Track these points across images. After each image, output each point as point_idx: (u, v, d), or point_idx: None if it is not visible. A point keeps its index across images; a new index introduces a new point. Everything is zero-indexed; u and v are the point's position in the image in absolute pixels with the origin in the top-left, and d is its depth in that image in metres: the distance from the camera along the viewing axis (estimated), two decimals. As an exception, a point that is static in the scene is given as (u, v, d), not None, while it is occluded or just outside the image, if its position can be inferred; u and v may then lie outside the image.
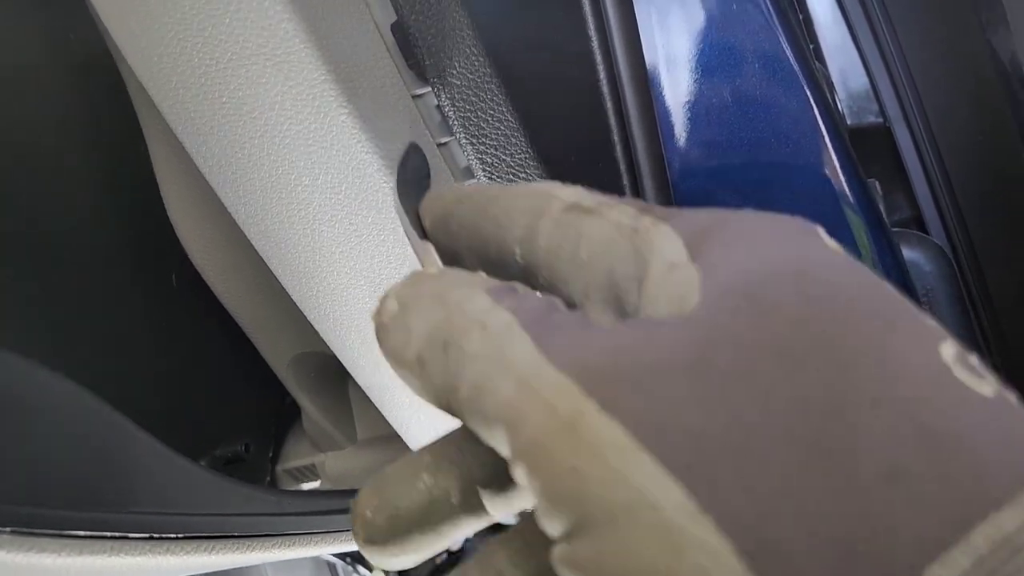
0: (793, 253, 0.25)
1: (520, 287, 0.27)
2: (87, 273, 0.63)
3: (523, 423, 0.23)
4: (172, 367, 0.69)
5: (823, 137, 0.57)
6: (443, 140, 0.54)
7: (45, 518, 0.36)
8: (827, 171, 0.57)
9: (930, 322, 0.23)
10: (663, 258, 0.26)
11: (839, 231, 0.57)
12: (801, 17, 0.69)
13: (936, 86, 0.68)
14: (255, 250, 0.58)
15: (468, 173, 0.55)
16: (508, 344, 0.25)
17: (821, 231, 0.26)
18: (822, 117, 0.57)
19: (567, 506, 0.22)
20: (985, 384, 0.22)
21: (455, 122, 0.52)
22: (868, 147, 0.69)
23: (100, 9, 0.52)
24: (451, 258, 0.33)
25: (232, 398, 0.78)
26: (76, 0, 0.57)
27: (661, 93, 0.60)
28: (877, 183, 0.69)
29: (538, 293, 0.28)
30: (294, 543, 0.52)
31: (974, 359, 0.23)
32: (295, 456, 0.85)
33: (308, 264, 0.57)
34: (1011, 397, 0.23)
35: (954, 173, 0.67)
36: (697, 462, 0.21)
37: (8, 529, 0.34)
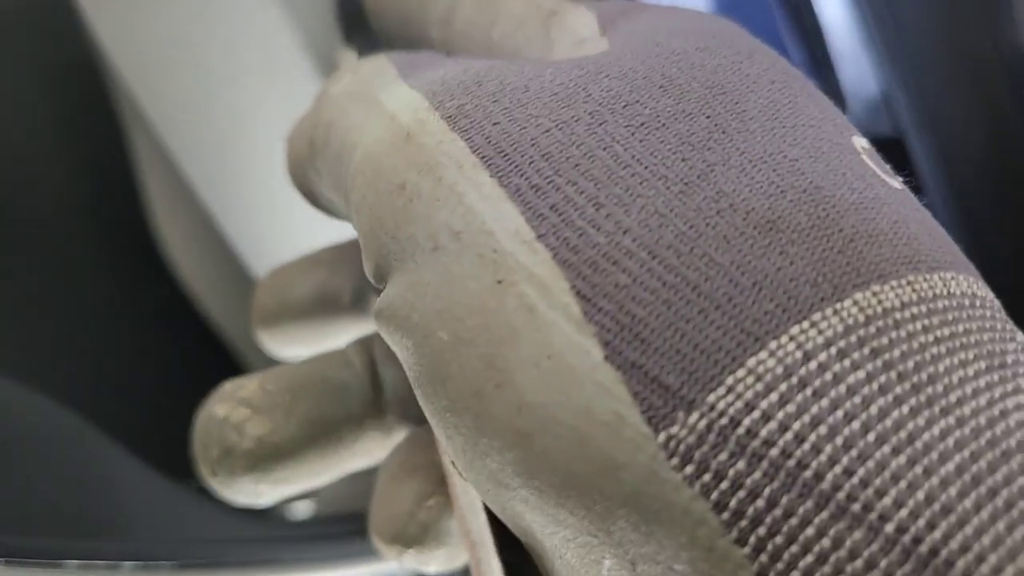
0: (706, 25, 0.23)
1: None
2: (65, 285, 0.61)
3: (368, 137, 0.21)
4: (151, 387, 0.66)
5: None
6: None
7: (38, 547, 0.34)
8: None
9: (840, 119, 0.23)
10: (573, 35, 0.25)
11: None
12: (811, 24, 0.67)
13: (951, 96, 0.66)
14: (241, 260, 0.56)
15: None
16: (373, 78, 0.23)
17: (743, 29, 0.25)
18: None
19: (387, 231, 0.20)
20: (891, 179, 0.21)
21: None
22: (882, 159, 0.67)
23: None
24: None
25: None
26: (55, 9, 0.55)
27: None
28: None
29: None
30: (293, 569, 0.50)
31: (878, 156, 0.22)
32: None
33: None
34: (910, 195, 0.22)
35: (970, 186, 0.66)
36: (544, 188, 0.18)
37: (1, 560, 0.31)
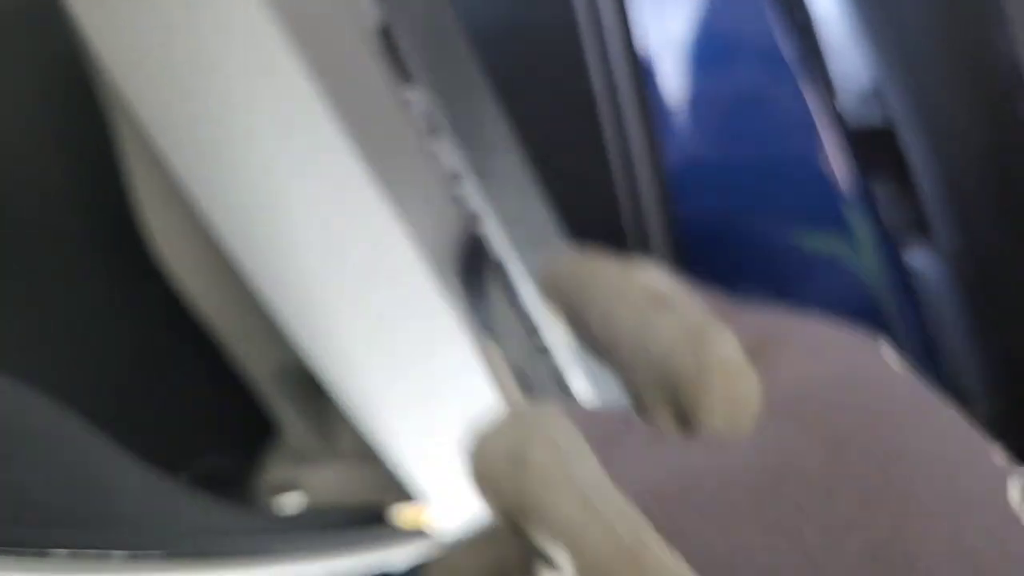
0: (858, 368, 0.25)
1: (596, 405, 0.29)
2: (49, 277, 0.61)
3: (585, 545, 0.23)
4: (137, 377, 0.66)
5: (826, 140, 0.55)
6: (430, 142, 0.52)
7: (25, 536, 0.34)
8: (830, 175, 0.55)
9: (997, 458, 0.23)
10: (722, 364, 0.26)
11: (842, 236, 0.55)
12: (802, 17, 0.67)
13: (942, 87, 0.66)
14: (232, 257, 0.56)
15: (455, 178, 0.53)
16: (575, 461, 0.24)
17: (884, 344, 0.26)
18: (825, 119, 0.56)
19: None
20: None
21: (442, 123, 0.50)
22: (871, 150, 0.67)
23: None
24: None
25: (209, 409, 0.75)
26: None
27: (657, 91, 0.58)
28: (882, 186, 0.68)
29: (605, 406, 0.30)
30: (283, 560, 0.50)
31: None
32: (277, 469, 0.83)
33: (290, 277, 0.56)
34: None
35: (961, 176, 0.66)
36: None
37: (-11, 549, 0.32)
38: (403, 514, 0.72)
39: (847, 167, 0.56)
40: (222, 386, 0.74)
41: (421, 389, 0.59)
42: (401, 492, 0.74)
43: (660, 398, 0.28)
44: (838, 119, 0.56)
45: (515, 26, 0.58)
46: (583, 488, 0.23)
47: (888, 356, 0.26)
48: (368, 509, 0.67)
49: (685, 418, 0.27)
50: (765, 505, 0.22)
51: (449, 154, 0.51)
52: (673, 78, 0.57)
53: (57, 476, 0.40)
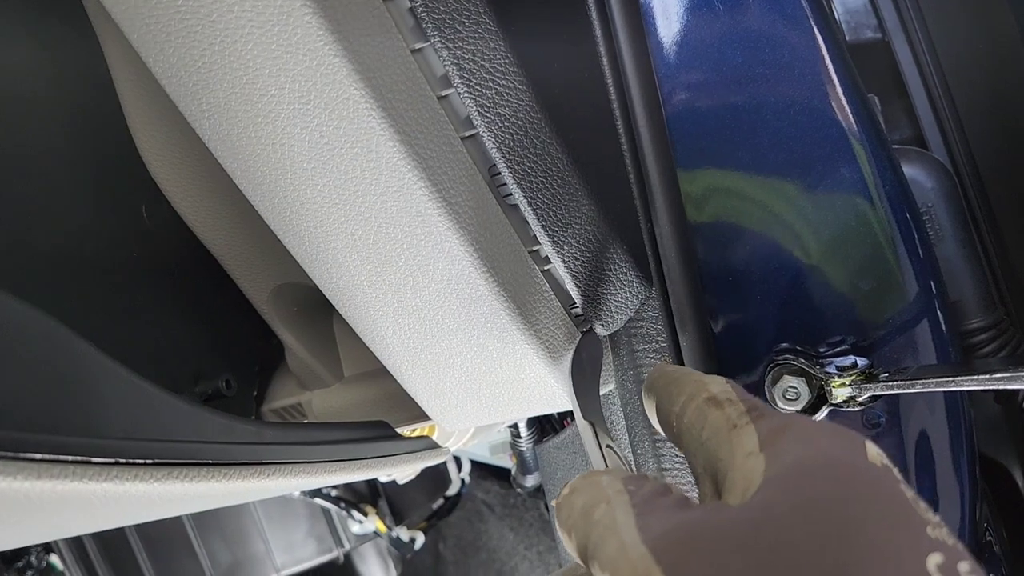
0: (837, 458, 0.33)
1: (651, 477, 0.38)
2: (49, 205, 0.61)
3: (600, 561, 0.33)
4: (146, 303, 0.67)
5: (822, 53, 0.54)
6: (417, 46, 0.51)
7: None
8: (827, 88, 0.55)
9: (927, 533, 0.30)
10: (743, 450, 0.36)
11: (838, 149, 0.55)
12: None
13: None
14: (227, 174, 0.56)
15: (445, 82, 0.52)
16: (619, 517, 0.34)
17: (868, 442, 0.34)
18: (820, 32, 0.55)
19: None
20: None
21: (429, 25, 0.49)
22: (867, 63, 0.67)
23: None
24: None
25: (212, 334, 0.76)
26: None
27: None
28: (876, 99, 0.67)
29: (659, 479, 0.40)
30: (275, 473, 0.51)
31: (963, 567, 0.29)
32: (280, 396, 0.84)
33: (280, 184, 0.55)
34: None
35: (955, 87, 0.65)
36: None
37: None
38: (407, 434, 0.73)
39: (845, 83, 0.55)
40: (228, 312, 0.75)
41: (419, 304, 0.59)
42: (404, 414, 0.75)
43: (706, 474, 0.38)
44: (836, 33, 0.55)
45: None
46: (622, 537, 0.33)
47: (870, 449, 0.34)
48: (371, 424, 0.67)
49: (719, 491, 0.36)
50: (747, 549, 0.29)
51: (437, 57, 0.51)
52: (669, 22, 0.56)
53: (30, 377, 0.40)
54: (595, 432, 0.51)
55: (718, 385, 0.41)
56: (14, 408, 0.38)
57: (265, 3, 0.46)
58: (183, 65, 0.50)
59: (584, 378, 0.57)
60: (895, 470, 0.34)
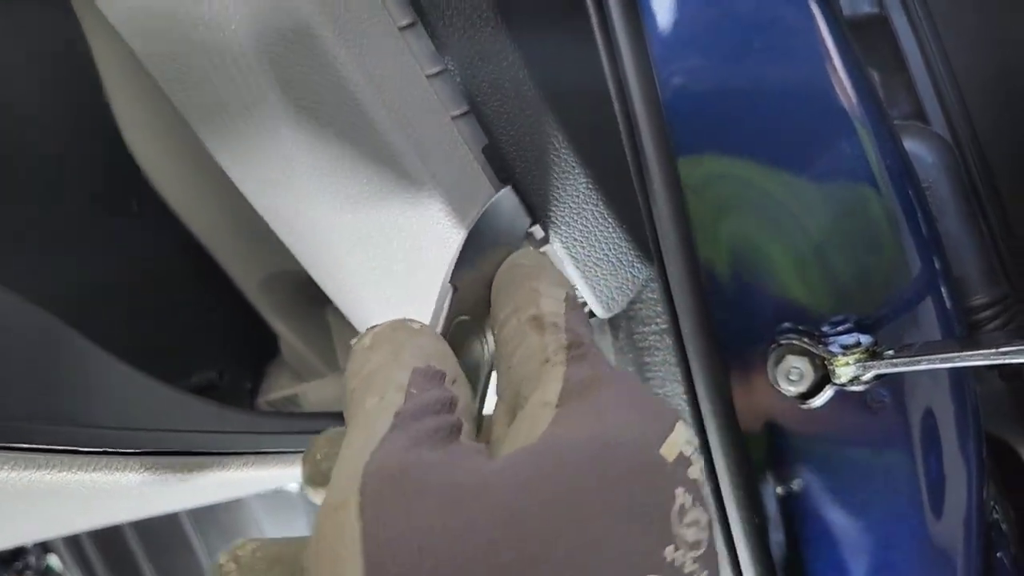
0: (620, 442, 0.29)
1: (451, 375, 0.34)
2: (38, 197, 0.61)
3: (330, 487, 0.29)
4: (138, 295, 0.66)
5: (820, 29, 0.54)
6: (434, 71, 0.51)
7: None
8: (825, 65, 0.54)
9: (662, 553, 0.27)
10: (541, 395, 0.32)
11: (838, 125, 0.54)
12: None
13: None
14: (215, 162, 0.55)
15: (435, 60, 0.52)
16: (376, 420, 0.31)
17: (679, 427, 0.31)
18: (818, 7, 0.54)
19: (308, 552, 0.28)
20: None
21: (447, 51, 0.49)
22: (865, 38, 0.66)
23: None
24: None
25: (204, 326, 0.75)
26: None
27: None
28: (876, 74, 0.67)
29: (455, 391, 0.34)
30: (268, 463, 0.50)
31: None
32: (275, 387, 0.83)
33: (271, 170, 0.54)
34: None
35: (955, 61, 0.64)
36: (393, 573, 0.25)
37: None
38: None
39: (844, 58, 0.54)
40: (220, 303, 0.74)
41: (411, 293, 0.58)
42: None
43: (503, 402, 0.35)
44: (834, 8, 0.54)
45: None
46: (355, 449, 0.30)
47: (673, 437, 0.30)
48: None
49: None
50: (456, 515, 0.26)
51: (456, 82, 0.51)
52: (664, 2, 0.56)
53: (23, 368, 0.40)
54: (453, 298, 0.42)
55: (551, 302, 0.37)
56: (2, 398, 0.37)
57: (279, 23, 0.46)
58: (173, 55, 0.49)
59: (480, 244, 0.48)
60: (693, 464, 0.30)
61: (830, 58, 0.54)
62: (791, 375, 0.55)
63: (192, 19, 0.47)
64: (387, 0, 0.49)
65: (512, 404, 0.35)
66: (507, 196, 0.54)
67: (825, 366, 0.54)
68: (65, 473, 0.37)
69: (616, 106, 0.56)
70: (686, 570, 0.27)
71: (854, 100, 0.54)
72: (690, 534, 0.28)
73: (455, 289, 0.43)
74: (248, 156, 0.54)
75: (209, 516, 1.44)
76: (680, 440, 0.30)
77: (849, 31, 0.55)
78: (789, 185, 0.55)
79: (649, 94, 0.55)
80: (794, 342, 0.55)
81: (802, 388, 0.55)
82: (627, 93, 0.55)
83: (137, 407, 0.45)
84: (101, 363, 0.43)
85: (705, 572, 0.28)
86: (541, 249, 0.58)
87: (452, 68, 0.52)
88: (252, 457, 0.49)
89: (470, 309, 0.43)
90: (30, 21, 0.62)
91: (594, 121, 0.58)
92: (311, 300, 0.76)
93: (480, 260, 0.46)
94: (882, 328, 0.54)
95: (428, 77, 0.52)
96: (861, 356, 0.53)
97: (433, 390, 0.33)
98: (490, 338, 0.43)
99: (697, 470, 0.31)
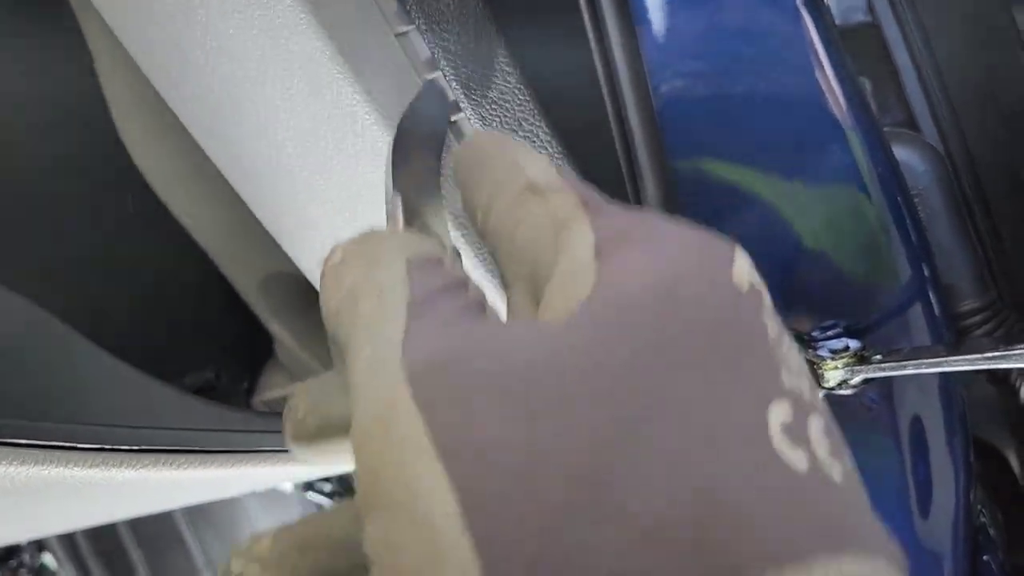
0: (689, 275, 0.25)
1: (449, 260, 0.29)
2: (33, 197, 0.61)
3: (360, 402, 0.25)
4: (134, 294, 0.66)
5: (812, 37, 0.54)
6: (402, 30, 0.51)
7: None
8: (816, 73, 0.54)
9: (780, 379, 0.23)
10: (571, 257, 0.27)
11: (829, 132, 0.55)
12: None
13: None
14: (213, 164, 0.55)
15: (431, 65, 0.52)
16: (386, 319, 0.26)
17: (739, 254, 0.27)
18: (809, 16, 0.54)
19: (363, 488, 0.24)
20: (800, 457, 0.22)
21: (413, 7, 0.49)
22: (857, 47, 0.66)
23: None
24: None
25: (200, 326, 0.75)
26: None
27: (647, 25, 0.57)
28: (867, 83, 0.67)
29: (458, 265, 0.30)
30: (263, 460, 0.50)
31: (814, 424, 0.23)
32: (271, 387, 0.83)
33: (264, 171, 0.54)
34: (830, 471, 0.23)
35: (945, 70, 0.65)
36: (479, 478, 0.21)
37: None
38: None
39: (835, 66, 0.55)
40: (216, 303, 0.74)
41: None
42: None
43: (519, 280, 0.30)
44: (826, 17, 0.55)
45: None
46: (380, 352, 0.25)
47: (738, 265, 0.26)
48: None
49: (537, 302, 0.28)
50: (517, 392, 0.22)
51: (422, 40, 0.50)
52: (658, 9, 0.56)
53: (20, 364, 0.40)
54: (405, 204, 0.38)
55: (538, 167, 0.32)
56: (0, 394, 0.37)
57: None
58: (164, 53, 0.50)
59: (412, 141, 0.43)
60: (764, 294, 0.27)
61: (821, 66, 0.54)
62: (780, 379, 0.55)
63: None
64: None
65: (532, 287, 0.30)
66: (432, 86, 0.49)
67: (814, 370, 0.55)
68: (62, 469, 0.37)
69: (609, 109, 0.56)
70: (806, 396, 0.24)
71: (845, 108, 0.54)
72: (793, 359, 0.25)
73: (402, 195, 0.38)
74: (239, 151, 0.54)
75: (204, 514, 1.44)
76: (745, 268, 0.27)
77: (841, 39, 0.55)
78: (781, 190, 0.55)
79: (642, 99, 0.56)
80: (784, 346, 0.55)
81: (791, 392, 0.55)
82: (619, 97, 0.56)
83: (133, 404, 0.45)
84: (98, 361, 0.43)
85: (820, 394, 0.25)
86: None
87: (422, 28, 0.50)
88: (248, 455, 0.49)
89: (420, 211, 0.39)
90: (27, 16, 0.62)
91: (587, 127, 0.58)
92: (307, 301, 0.76)
93: (414, 157, 0.41)
94: (872, 333, 0.55)
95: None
96: (849, 360, 0.53)
97: (437, 275, 0.28)
98: (449, 241, 0.39)
99: (769, 297, 0.27)
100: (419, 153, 0.42)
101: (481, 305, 0.27)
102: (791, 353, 0.24)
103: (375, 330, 0.26)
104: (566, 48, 0.58)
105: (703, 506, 0.20)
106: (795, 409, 0.23)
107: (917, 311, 0.56)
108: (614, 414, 0.22)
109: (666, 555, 0.20)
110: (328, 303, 0.29)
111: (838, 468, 0.23)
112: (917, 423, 0.57)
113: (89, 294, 0.61)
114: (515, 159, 0.32)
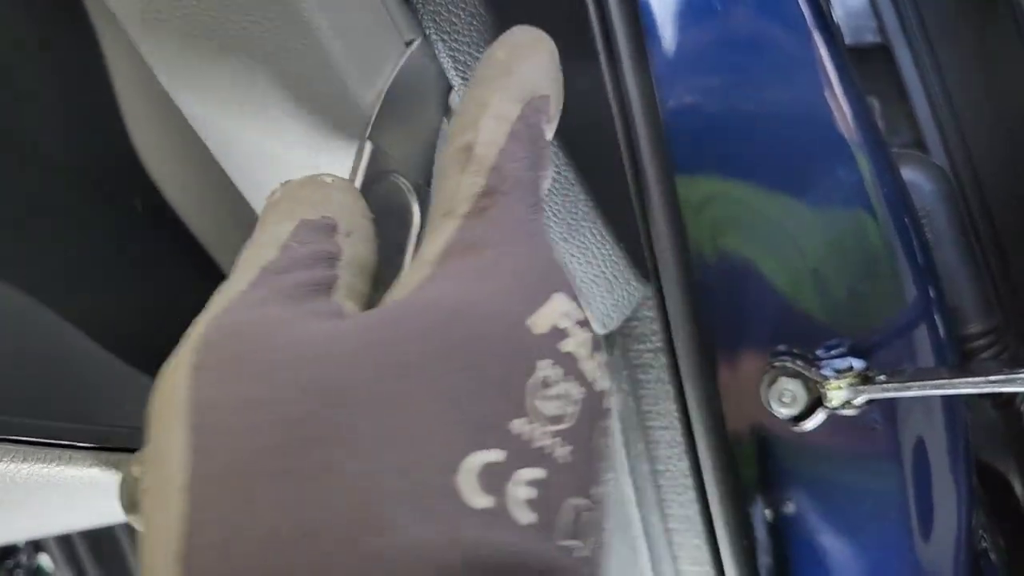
0: (482, 311, 0.26)
1: (345, 231, 0.31)
2: (41, 193, 0.61)
3: (177, 347, 0.26)
4: (139, 294, 0.66)
5: (821, 56, 0.54)
6: (410, 38, 0.50)
7: None
8: (825, 92, 0.54)
9: (507, 427, 0.24)
10: (423, 252, 0.29)
11: (837, 151, 0.55)
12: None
13: (936, 4, 0.65)
14: (222, 168, 0.55)
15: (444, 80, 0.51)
16: (238, 276, 0.28)
17: (558, 297, 0.28)
18: (819, 34, 0.55)
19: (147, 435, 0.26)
20: (485, 499, 0.23)
21: (426, 19, 0.48)
22: (867, 67, 0.66)
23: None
24: None
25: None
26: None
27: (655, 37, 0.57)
28: (876, 103, 0.67)
29: (350, 238, 0.31)
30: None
31: (523, 476, 0.23)
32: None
33: (273, 180, 0.54)
34: (517, 517, 0.23)
35: (955, 92, 0.65)
36: (212, 438, 0.23)
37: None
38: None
39: (845, 86, 0.55)
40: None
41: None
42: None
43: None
44: (835, 36, 0.55)
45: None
46: (218, 300, 0.28)
47: (549, 307, 0.27)
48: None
49: None
50: (280, 372, 0.24)
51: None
52: (668, 24, 0.56)
53: (21, 362, 0.40)
54: (373, 154, 0.37)
55: (493, 125, 0.31)
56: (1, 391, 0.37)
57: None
58: (177, 49, 0.49)
59: (404, 98, 0.43)
60: (572, 338, 0.27)
61: (830, 85, 0.54)
62: (784, 397, 0.55)
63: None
64: None
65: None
66: (423, 50, 0.48)
67: (818, 389, 0.55)
68: (62, 467, 0.37)
69: (617, 123, 0.56)
70: (536, 443, 0.24)
71: (853, 127, 0.54)
72: (551, 407, 0.25)
73: (374, 145, 0.38)
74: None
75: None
76: (556, 312, 0.27)
77: (850, 59, 0.55)
78: (787, 208, 0.55)
79: (651, 113, 0.56)
80: (787, 364, 0.55)
81: (794, 411, 0.55)
82: (628, 111, 0.56)
83: (136, 405, 0.45)
84: (98, 359, 0.44)
85: (569, 447, 0.25)
86: None
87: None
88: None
89: (399, 166, 0.39)
90: (41, 15, 0.62)
91: (594, 139, 0.58)
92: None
93: (406, 113, 0.41)
94: (876, 353, 0.55)
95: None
96: (853, 380, 0.53)
97: (314, 243, 0.29)
98: (414, 200, 0.39)
99: (576, 343, 0.27)
100: (411, 114, 0.42)
101: (327, 284, 0.28)
102: (548, 403, 0.25)
103: (229, 281, 0.28)
104: (574, 61, 0.58)
105: (358, 510, 0.22)
106: (509, 459, 0.23)
107: (922, 332, 0.56)
108: (318, 427, 0.23)
109: (314, 547, 0.21)
110: (252, 240, 0.30)
111: (529, 517, 0.23)
112: (920, 446, 0.57)
113: (91, 291, 0.61)
114: (488, 98, 0.32)
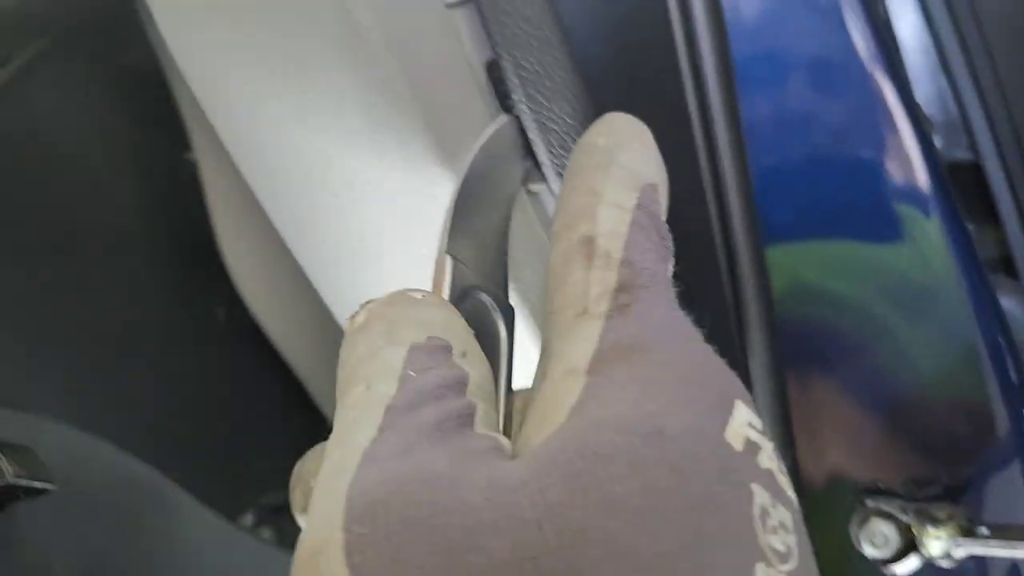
0: (676, 426, 0.23)
1: (460, 351, 0.27)
2: (128, 303, 0.60)
3: (308, 525, 0.23)
4: (218, 409, 0.65)
5: (920, 169, 0.53)
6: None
7: None
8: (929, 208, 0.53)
9: (758, 543, 0.22)
10: (566, 361, 0.26)
11: (931, 270, 0.53)
12: (890, 40, 0.65)
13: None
14: (310, 285, 0.54)
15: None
16: (361, 421, 0.24)
17: (739, 406, 0.25)
18: (920, 148, 0.53)
19: None
20: None
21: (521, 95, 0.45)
22: (957, 183, 0.65)
23: (157, 19, 0.47)
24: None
25: (281, 443, 0.75)
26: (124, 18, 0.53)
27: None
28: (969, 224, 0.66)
29: (466, 359, 0.27)
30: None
31: None
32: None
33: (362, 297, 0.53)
34: None
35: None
36: None
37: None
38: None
39: (943, 204, 0.54)
40: (296, 418, 0.73)
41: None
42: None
43: (540, 368, 0.28)
44: (933, 152, 0.54)
45: (608, 32, 0.55)
46: (343, 456, 0.24)
47: (736, 419, 0.24)
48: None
49: None
50: (467, 541, 0.21)
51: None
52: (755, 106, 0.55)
53: (134, 531, 0.39)
54: (454, 271, 0.33)
55: (612, 214, 0.28)
56: (108, 566, 0.36)
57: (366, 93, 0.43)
58: (274, 165, 0.48)
59: (476, 196, 0.38)
60: (762, 450, 0.24)
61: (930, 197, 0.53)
62: (875, 539, 0.53)
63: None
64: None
65: (544, 367, 0.27)
66: (506, 129, 0.44)
67: (910, 532, 0.53)
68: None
69: (709, 195, 0.54)
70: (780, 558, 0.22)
71: (955, 254, 0.53)
72: (778, 542, 0.22)
73: (454, 259, 0.34)
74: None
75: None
76: (743, 422, 0.24)
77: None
78: (887, 335, 0.54)
79: (741, 172, 0.54)
80: (881, 506, 0.53)
81: (887, 553, 0.53)
82: (720, 170, 0.54)
83: (227, 560, 0.44)
84: (207, 523, 0.42)
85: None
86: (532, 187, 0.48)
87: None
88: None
89: (480, 276, 0.35)
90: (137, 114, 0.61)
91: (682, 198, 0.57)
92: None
93: (477, 217, 0.37)
94: (971, 495, 0.53)
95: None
96: (954, 531, 0.51)
97: (436, 368, 0.26)
98: (499, 317, 0.35)
99: (768, 456, 0.24)
100: (481, 216, 0.38)
101: (468, 415, 0.25)
102: (774, 537, 0.22)
103: (348, 430, 0.24)
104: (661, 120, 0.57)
105: None
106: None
107: (1015, 471, 0.55)
108: None
109: None
110: (340, 371, 0.27)
111: None
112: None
113: (172, 404, 0.60)
114: (599, 188, 0.29)
